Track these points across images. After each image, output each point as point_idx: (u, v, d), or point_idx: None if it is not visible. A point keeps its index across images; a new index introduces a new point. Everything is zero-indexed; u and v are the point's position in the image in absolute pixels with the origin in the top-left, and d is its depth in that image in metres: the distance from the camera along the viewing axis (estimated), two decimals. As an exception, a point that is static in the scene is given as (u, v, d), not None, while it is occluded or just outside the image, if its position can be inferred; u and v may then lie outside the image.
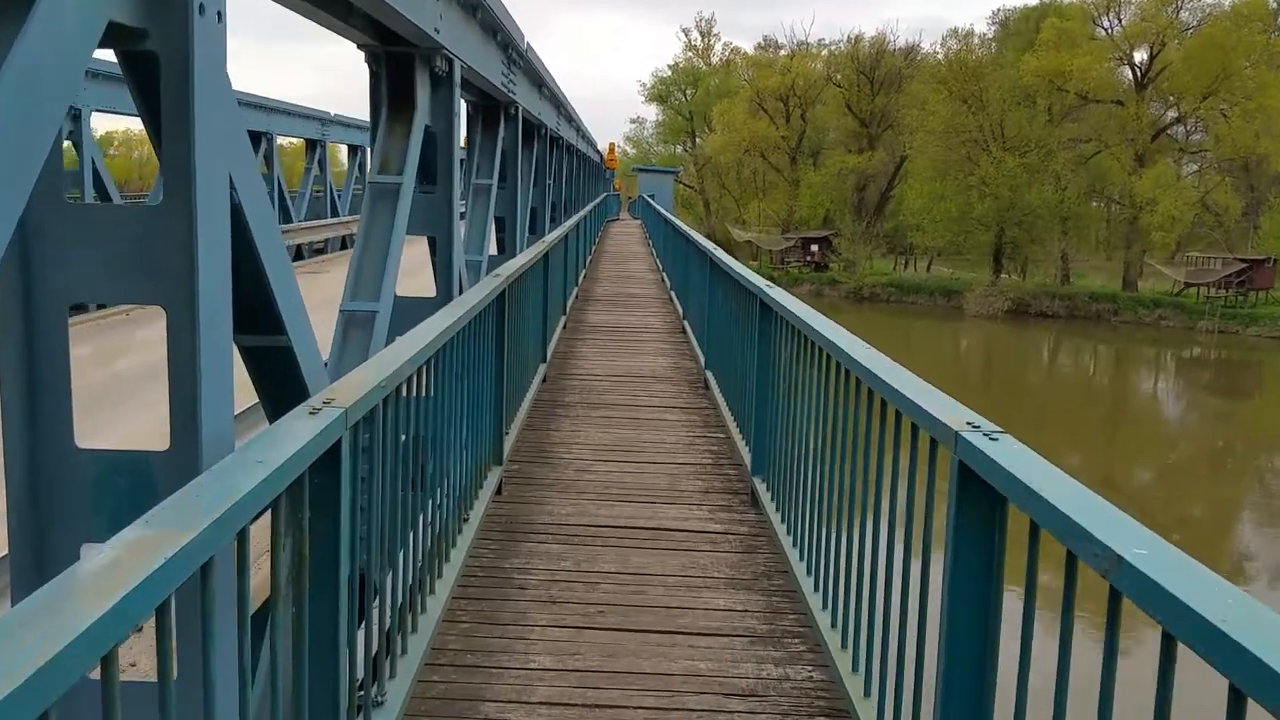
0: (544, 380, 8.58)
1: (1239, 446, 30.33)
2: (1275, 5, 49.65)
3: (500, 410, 5.53)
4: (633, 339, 11.17)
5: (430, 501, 3.99)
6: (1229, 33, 44.54)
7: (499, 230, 9.50)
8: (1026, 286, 47.07)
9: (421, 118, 5.27)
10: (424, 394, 3.61)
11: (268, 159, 21.04)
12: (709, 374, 8.46)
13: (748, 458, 5.80)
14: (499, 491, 5.57)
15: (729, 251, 11.75)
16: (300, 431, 2.15)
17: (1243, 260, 42.03)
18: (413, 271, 6.36)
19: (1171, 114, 48.49)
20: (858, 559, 3.36)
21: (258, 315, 3.26)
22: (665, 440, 6.95)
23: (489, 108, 8.47)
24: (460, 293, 5.88)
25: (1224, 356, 39.85)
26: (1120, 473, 26.95)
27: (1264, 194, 48.40)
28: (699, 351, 9.31)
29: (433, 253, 6.03)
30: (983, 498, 2.37)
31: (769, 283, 5.62)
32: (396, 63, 5.20)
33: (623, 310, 13.47)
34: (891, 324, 44.48)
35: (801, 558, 4.38)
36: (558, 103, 13.50)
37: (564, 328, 11.40)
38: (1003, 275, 49.17)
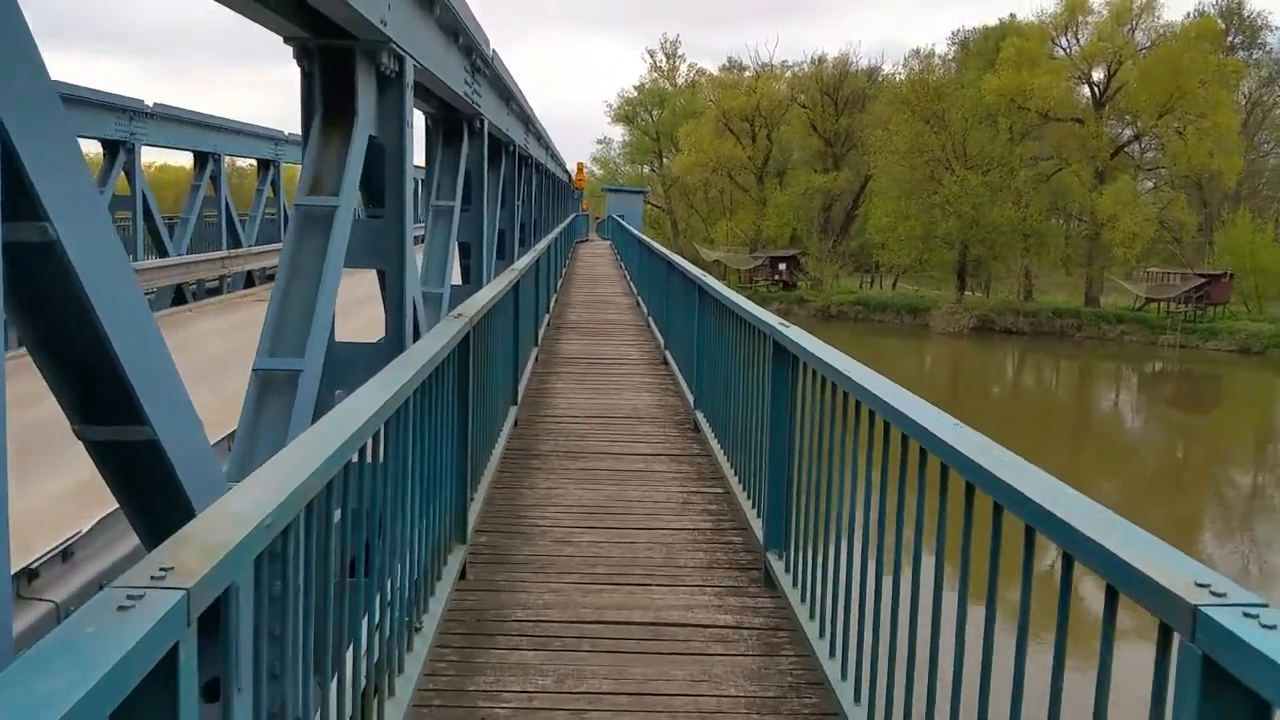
0: (515, 424, 7.54)
1: (1200, 459, 29.98)
2: (1223, 26, 49.84)
3: (464, 477, 4.50)
4: (611, 372, 10.15)
5: (368, 613, 2.97)
6: (1181, 52, 44.49)
7: (463, 257, 8.45)
8: (991, 303, 46.65)
9: (364, 126, 4.29)
10: (367, 460, 2.65)
11: (215, 180, 19.61)
12: (699, 415, 7.46)
13: (759, 528, 4.80)
14: (463, 575, 4.53)
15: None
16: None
17: (1201, 275, 41.81)
18: (353, 311, 5.35)
19: (1129, 132, 48.37)
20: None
21: (100, 399, 2.19)
22: (655, 497, 5.93)
23: (450, 120, 7.46)
24: (417, 334, 4.86)
25: (1185, 370, 39.55)
26: (1085, 486, 26.33)
27: (1216, 210, 48.39)
28: (686, 390, 8.32)
29: (382, 288, 5.01)
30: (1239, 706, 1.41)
31: (783, 321, 4.64)
32: (332, 58, 4.20)
33: (598, 339, 12.46)
34: (859, 342, 43.81)
35: (842, 672, 3.39)
36: (526, 118, 12.49)
37: (536, 360, 10.36)
38: (967, 292, 48.75)
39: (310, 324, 3.76)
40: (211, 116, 18.94)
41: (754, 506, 5.14)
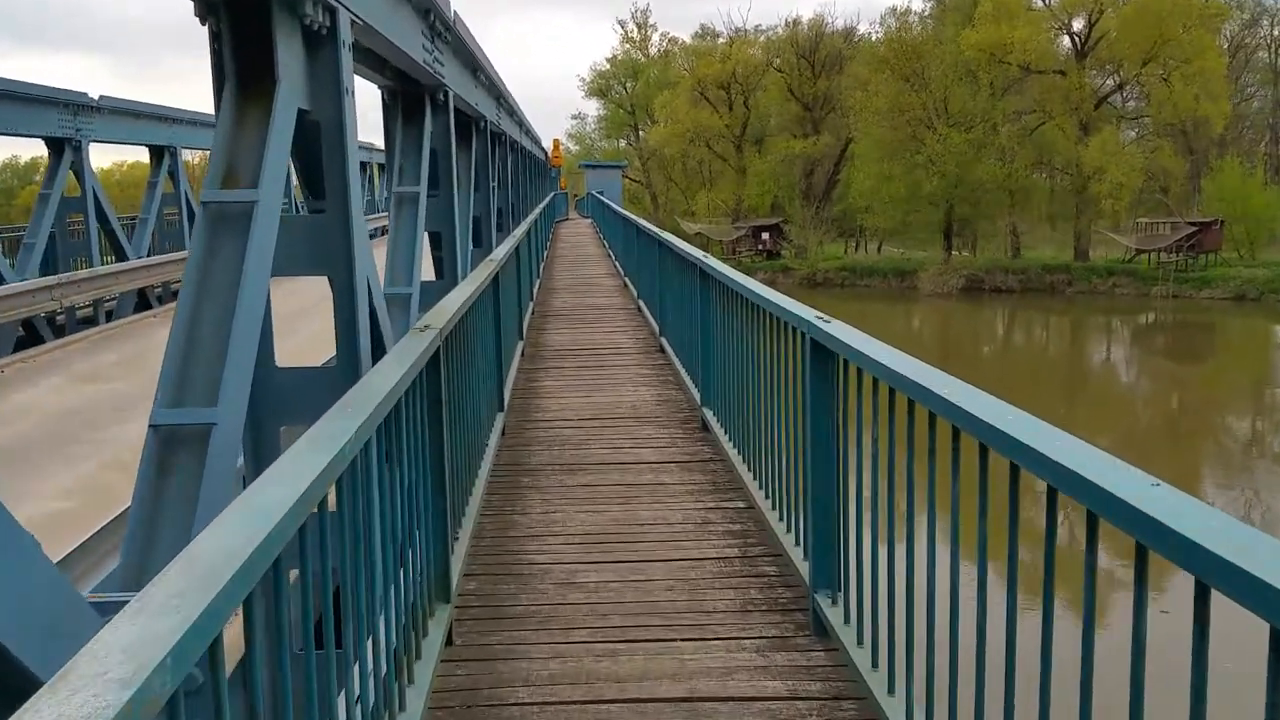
0: (503, 433, 6.73)
1: (1197, 408, 29.59)
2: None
3: (443, 524, 3.69)
4: (605, 364, 9.33)
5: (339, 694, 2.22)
6: (1164, -3, 43.67)
7: (435, 248, 7.58)
8: (979, 262, 45.97)
9: (291, 98, 3.44)
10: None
11: (174, 175, 18.43)
12: (707, 412, 6.66)
13: (800, 562, 4.02)
14: (449, 641, 3.74)
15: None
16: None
17: (1191, 224, 41.19)
18: (299, 324, 4.49)
19: (1112, 81, 47.59)
20: None
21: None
22: (669, 517, 5.13)
23: (410, 94, 6.57)
24: (381, 348, 4.03)
25: (1180, 320, 39.01)
26: (1084, 439, 26.12)
27: (1203, 157, 47.75)
28: (689, 383, 7.51)
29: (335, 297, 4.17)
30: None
31: (821, 314, 3.84)
32: (242, 9, 3.34)
33: (588, 327, 11.62)
34: (847, 308, 43.00)
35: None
36: (497, 92, 11.55)
37: (522, 355, 9.54)
38: (954, 252, 48.06)
39: (224, 358, 2.91)
40: (164, 108, 17.82)
41: (789, 530, 4.36)
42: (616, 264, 17.91)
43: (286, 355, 4.14)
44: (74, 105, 14.53)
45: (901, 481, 2.95)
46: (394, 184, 6.31)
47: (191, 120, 18.78)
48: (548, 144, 40.13)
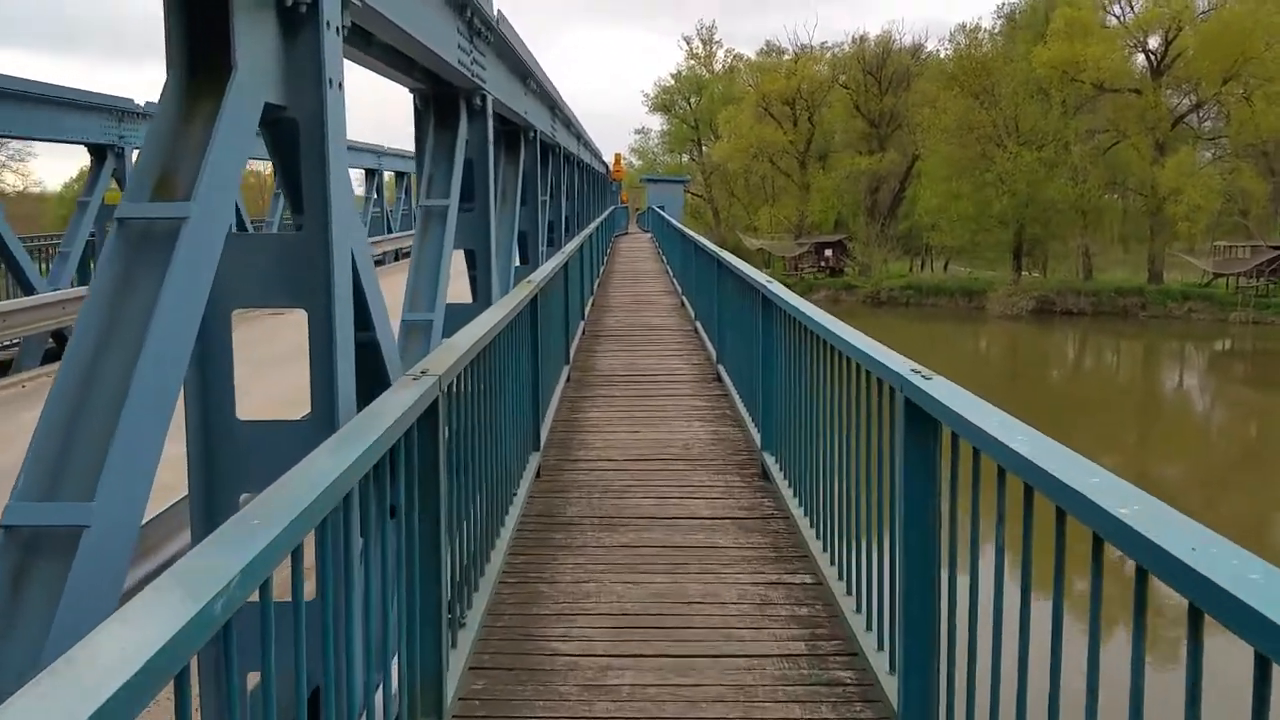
0: (537, 475, 5.93)
1: (1278, 438, 27.88)
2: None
3: (436, 623, 2.88)
4: (656, 393, 8.49)
5: None
6: (1246, 15, 41.68)
7: (470, 267, 6.81)
8: (1050, 284, 44.28)
9: (252, 88, 2.65)
10: None
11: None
12: (767, 458, 5.80)
13: (889, 686, 3.14)
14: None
15: (740, 258, 9.13)
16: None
17: (1273, 247, 39.12)
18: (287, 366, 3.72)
19: (1189, 100, 45.57)
20: None
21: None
22: (722, 594, 4.28)
23: (443, 98, 5.80)
24: (373, 393, 3.25)
25: (1260, 347, 36.98)
26: (1158, 470, 24.99)
27: (1286, 178, 45.48)
28: (749, 421, 6.65)
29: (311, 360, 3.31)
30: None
31: (918, 367, 2.97)
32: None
33: (640, 349, 10.79)
34: (912, 329, 41.74)
35: None
36: (551, 102, 10.79)
37: (568, 381, 8.75)
38: (1024, 273, 46.37)
39: (106, 448, 2.08)
40: None
41: (869, 628, 3.48)
42: (674, 281, 17.09)
43: (259, 407, 3.41)
44: (118, 111, 14.22)
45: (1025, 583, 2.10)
46: (422, 197, 5.57)
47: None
48: (610, 158, 39.52)
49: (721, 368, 8.69)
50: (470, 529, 3.80)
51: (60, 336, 12.12)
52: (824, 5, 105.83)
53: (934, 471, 2.86)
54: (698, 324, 11.59)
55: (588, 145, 20.24)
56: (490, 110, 6.07)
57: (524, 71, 8.03)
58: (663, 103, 66.71)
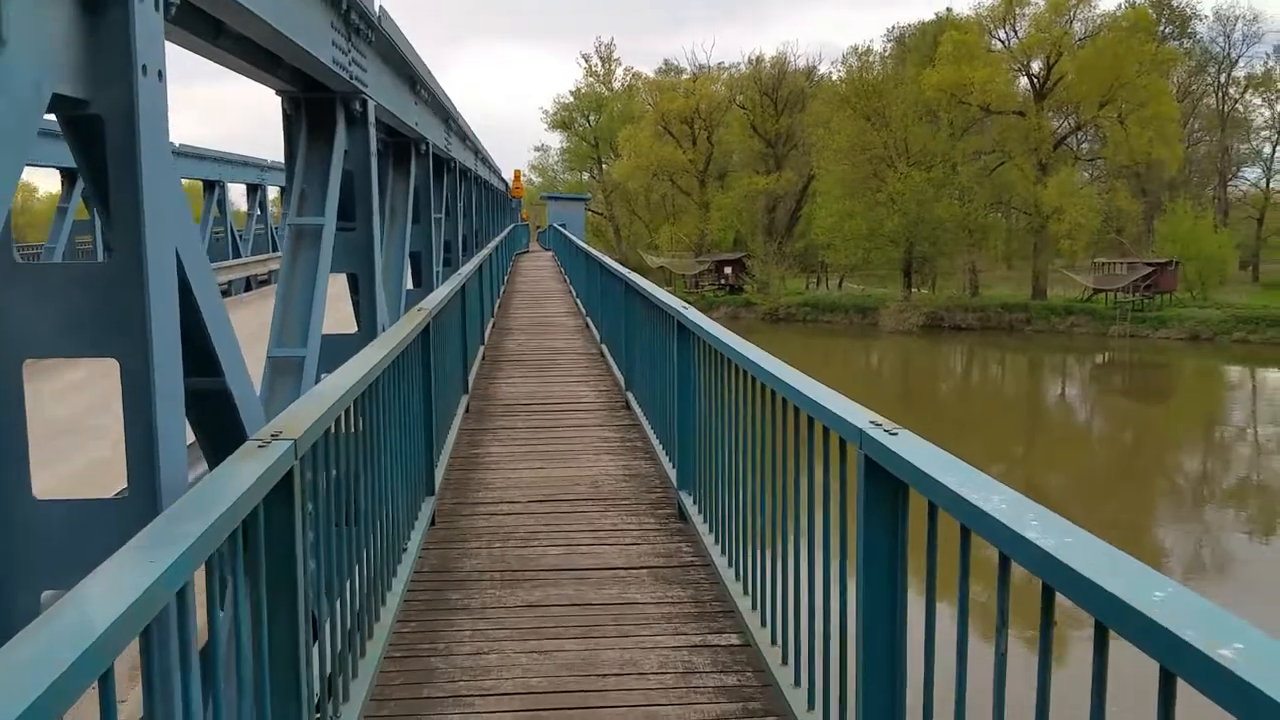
0: (432, 522, 5.32)
1: (1151, 448, 29.02)
2: (1154, 15, 49.01)
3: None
4: (562, 424, 7.92)
5: None
6: (1119, 42, 43.56)
7: (353, 293, 6.12)
8: (939, 300, 45.26)
9: (31, 75, 2.06)
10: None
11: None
12: (684, 498, 5.31)
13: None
14: None
15: (643, 276, 8.69)
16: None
17: (1149, 264, 40.76)
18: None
19: (1070, 123, 47.33)
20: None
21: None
22: (640, 663, 3.75)
23: (316, 102, 5.16)
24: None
25: (1137, 359, 38.44)
26: (1042, 479, 25.69)
27: (1156, 199, 47.57)
28: (663, 457, 6.16)
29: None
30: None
31: (878, 419, 2.52)
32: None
33: (545, 376, 10.20)
34: (809, 344, 42.13)
35: None
36: (445, 114, 10.14)
37: (466, 412, 8.14)
38: (914, 290, 47.33)
39: None
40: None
41: (813, 707, 3.01)
42: (578, 301, 16.57)
43: (58, 485, 2.78)
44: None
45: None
46: (291, 214, 4.91)
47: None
48: (509, 175, 38.82)
49: (631, 395, 8.20)
50: (348, 606, 3.20)
51: None
52: (721, 27, 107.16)
53: (899, 537, 2.40)
54: (604, 347, 11.08)
55: (486, 161, 19.57)
56: (372, 117, 5.44)
57: (412, 77, 7.40)
58: (562, 120, 66.31)
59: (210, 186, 24.07)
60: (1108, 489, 24.20)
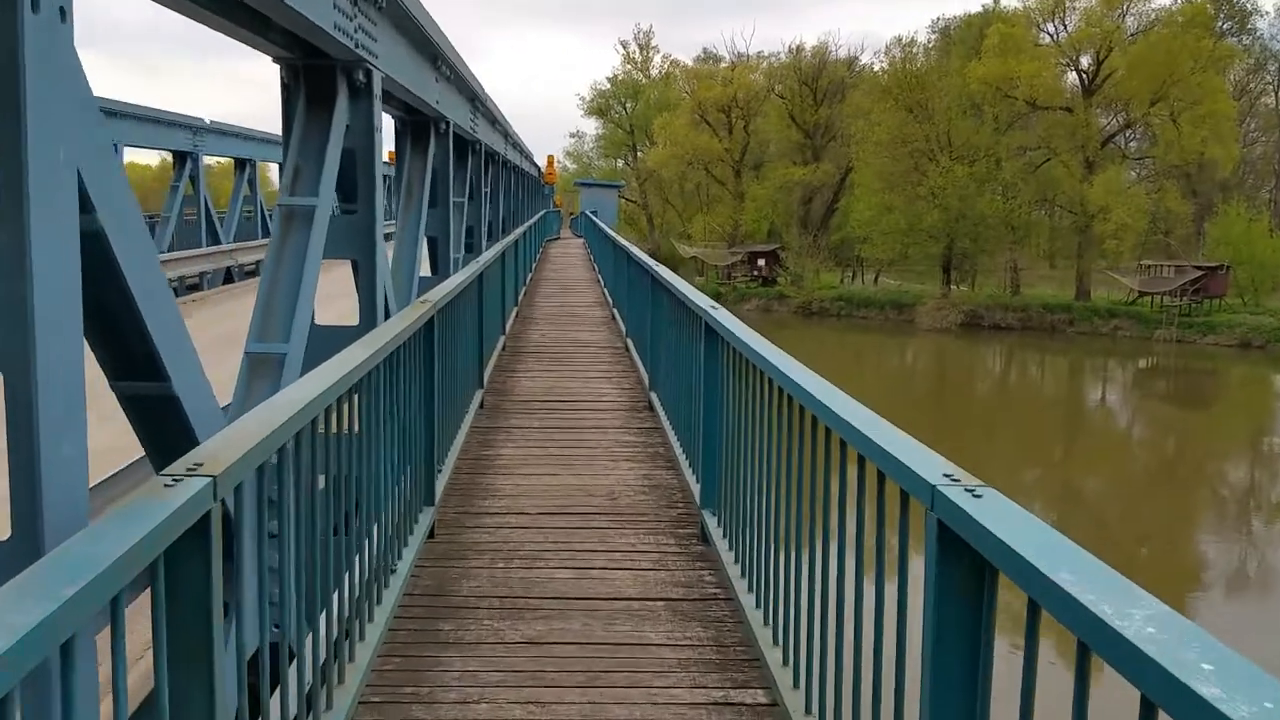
0: (430, 534, 4.86)
1: (1197, 457, 28.14)
2: (1213, 11, 47.57)
3: None
4: (580, 424, 7.44)
5: None
6: (1173, 38, 42.25)
7: (356, 281, 5.67)
8: (978, 298, 44.29)
9: None
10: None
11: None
12: (708, 518, 4.81)
13: None
14: None
15: (672, 268, 8.18)
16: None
17: (1198, 268, 39.59)
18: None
19: (1118, 120, 46.09)
20: None
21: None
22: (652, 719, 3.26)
23: (315, 70, 4.62)
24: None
25: (1182, 365, 37.36)
26: (1079, 483, 25.02)
27: (1208, 200, 46.23)
28: (686, 468, 5.65)
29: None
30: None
31: (955, 474, 2.00)
32: None
33: (566, 370, 9.72)
34: (843, 340, 41.43)
35: None
36: (471, 93, 9.65)
37: (481, 407, 7.68)
38: (953, 287, 46.38)
39: None
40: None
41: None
42: (605, 291, 16.08)
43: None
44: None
45: None
46: (283, 194, 4.43)
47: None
48: (542, 160, 38.36)
49: (654, 395, 7.70)
50: (319, 640, 2.74)
51: None
52: (761, 15, 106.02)
53: (983, 628, 1.88)
54: (629, 341, 10.59)
55: (517, 145, 19.09)
56: (379, 89, 4.96)
57: (432, 52, 6.91)
58: (598, 107, 65.77)
59: (241, 165, 23.71)
60: (1148, 497, 23.49)
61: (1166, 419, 32.35)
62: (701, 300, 5.06)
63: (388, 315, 5.35)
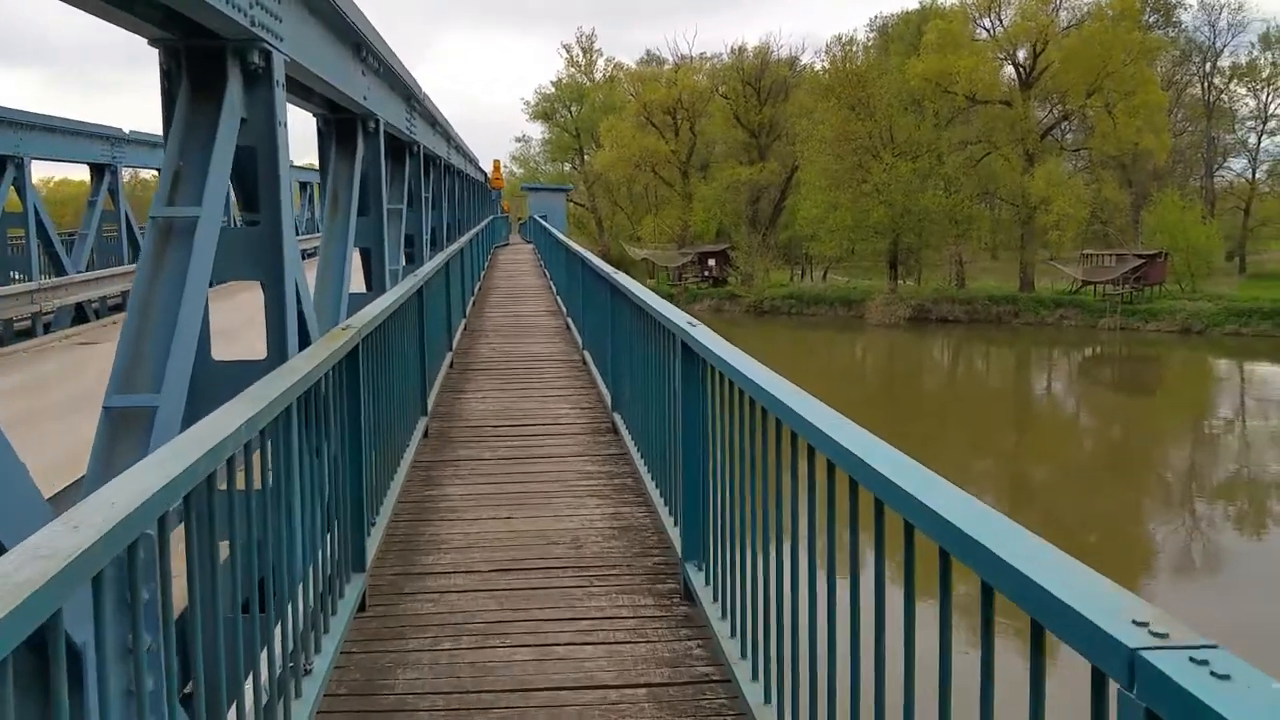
0: (360, 609, 3.98)
1: (1144, 442, 28.23)
2: (1140, 4, 47.90)
3: None
4: (537, 452, 6.56)
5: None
6: (1106, 30, 42.44)
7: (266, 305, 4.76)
8: (925, 292, 44.12)
9: None
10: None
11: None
12: (692, 573, 4.00)
13: None
14: None
15: (623, 270, 7.40)
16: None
17: (1138, 255, 39.74)
18: None
19: (1055, 112, 46.22)
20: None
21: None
22: None
23: (199, 54, 3.69)
24: None
25: (1128, 353, 37.43)
26: (1030, 472, 24.86)
27: (1144, 189, 46.52)
28: (661, 506, 4.83)
29: None
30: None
31: (1162, 624, 1.18)
32: None
33: (519, 388, 8.83)
34: (794, 337, 40.97)
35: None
36: (406, 91, 8.68)
37: (425, 435, 6.79)
38: (900, 282, 46.17)
39: None
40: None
41: None
42: (559, 299, 15.22)
43: None
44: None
45: None
46: (157, 202, 3.49)
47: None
48: (488, 165, 37.31)
49: (618, 417, 6.87)
50: None
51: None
52: (703, 18, 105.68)
53: None
54: (586, 354, 9.75)
55: (460, 149, 18.14)
56: (279, 74, 4.06)
57: (355, 39, 6.01)
58: (543, 111, 64.75)
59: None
60: (1096, 483, 23.35)
61: (1113, 406, 32.32)
62: (676, 316, 4.25)
63: (308, 342, 4.46)
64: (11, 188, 15.15)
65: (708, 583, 3.82)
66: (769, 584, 2.92)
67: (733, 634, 3.36)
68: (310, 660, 3.22)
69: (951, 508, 1.68)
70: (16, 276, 16.55)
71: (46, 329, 14.73)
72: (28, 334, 14.54)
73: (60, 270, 16.73)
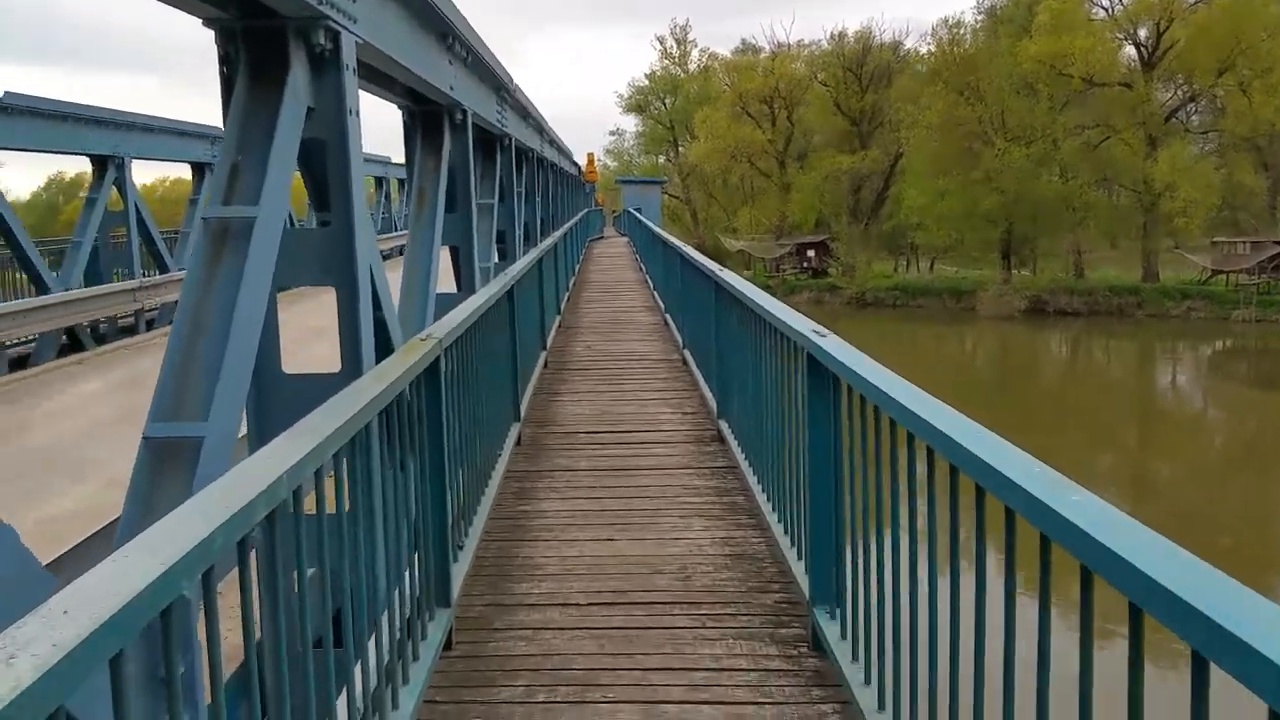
0: (446, 646, 3.58)
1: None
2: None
3: None
4: (637, 465, 6.09)
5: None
6: (1239, 5, 39.80)
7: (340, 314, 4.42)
8: (1041, 283, 42.25)
9: None
10: None
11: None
12: (821, 620, 3.48)
13: None
14: None
15: (718, 262, 6.85)
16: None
17: (1277, 243, 37.21)
18: None
19: (1180, 94, 43.67)
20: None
21: None
22: None
23: (259, 35, 3.31)
24: None
25: (1264, 346, 35.05)
26: (1154, 472, 23.29)
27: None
28: (776, 528, 4.31)
29: None
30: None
31: None
32: None
33: (616, 391, 8.35)
34: (900, 330, 39.65)
35: None
36: (496, 82, 8.17)
37: (517, 443, 6.40)
38: (1013, 272, 44.33)
39: None
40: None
41: None
42: (655, 294, 14.76)
43: None
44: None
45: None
46: (211, 202, 3.11)
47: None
48: (582, 158, 37.11)
49: (725, 425, 6.36)
50: None
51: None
52: (800, 5, 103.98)
53: None
54: (686, 353, 9.26)
55: (554, 142, 17.82)
56: (349, 59, 3.63)
57: (441, 27, 5.61)
58: (637, 103, 64.44)
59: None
60: (1229, 482, 21.83)
61: (1247, 402, 30.32)
62: (800, 323, 3.72)
63: (389, 351, 4.08)
64: (113, 187, 15.41)
65: (844, 636, 3.29)
66: (927, 648, 2.40)
67: (880, 707, 2.83)
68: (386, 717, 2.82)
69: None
70: (120, 274, 16.79)
71: (149, 326, 15.03)
72: (131, 331, 14.86)
73: (163, 268, 17.19)
